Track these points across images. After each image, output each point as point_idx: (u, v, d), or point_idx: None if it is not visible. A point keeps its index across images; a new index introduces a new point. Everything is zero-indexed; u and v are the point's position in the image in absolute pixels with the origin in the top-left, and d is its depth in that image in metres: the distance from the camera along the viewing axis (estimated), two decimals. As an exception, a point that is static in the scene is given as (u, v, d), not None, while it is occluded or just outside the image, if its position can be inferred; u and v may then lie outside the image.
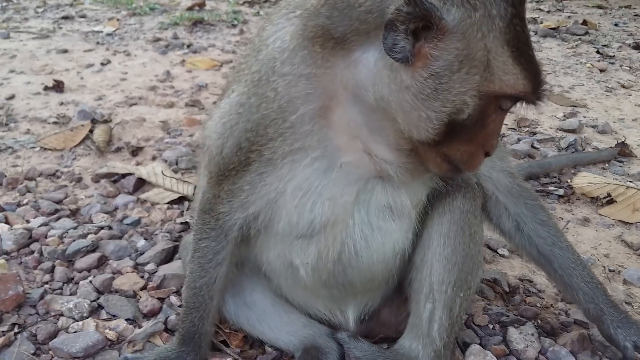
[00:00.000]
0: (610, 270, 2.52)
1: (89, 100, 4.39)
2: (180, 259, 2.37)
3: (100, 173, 3.22)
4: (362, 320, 1.98)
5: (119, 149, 3.58)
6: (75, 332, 1.99)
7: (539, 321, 2.16)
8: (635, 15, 8.08)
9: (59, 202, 2.93)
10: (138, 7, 7.65)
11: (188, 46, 5.99)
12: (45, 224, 2.68)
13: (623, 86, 5.11)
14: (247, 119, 1.58)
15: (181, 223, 2.78)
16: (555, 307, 2.26)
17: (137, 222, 2.78)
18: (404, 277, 1.91)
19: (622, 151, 3.66)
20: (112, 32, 6.51)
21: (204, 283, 1.80)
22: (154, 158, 3.49)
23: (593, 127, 4.17)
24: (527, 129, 4.13)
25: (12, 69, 5.01)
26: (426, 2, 1.25)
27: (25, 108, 4.17)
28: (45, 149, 3.54)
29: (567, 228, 2.82)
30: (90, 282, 2.28)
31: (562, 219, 2.92)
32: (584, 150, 3.78)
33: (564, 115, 4.37)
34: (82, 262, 2.40)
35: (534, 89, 1.38)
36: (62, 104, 4.28)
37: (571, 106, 4.58)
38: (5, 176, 3.14)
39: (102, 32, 6.49)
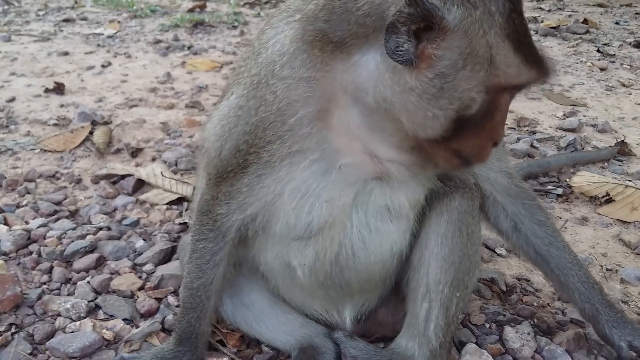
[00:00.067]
0: (607, 269, 2.52)
1: (89, 102, 4.41)
2: (178, 259, 2.37)
3: (100, 174, 3.24)
4: (359, 320, 1.99)
5: (118, 151, 3.60)
6: (73, 332, 2.00)
7: (536, 320, 2.16)
8: (636, 13, 8.06)
9: (58, 203, 2.95)
10: (139, 10, 7.68)
11: (188, 48, 6.01)
12: (44, 225, 2.69)
13: (623, 85, 5.10)
14: (246, 121, 1.59)
15: (180, 224, 2.79)
16: (552, 306, 2.26)
17: (135, 223, 2.79)
18: (401, 277, 1.91)
19: (622, 150, 3.65)
20: (113, 34, 6.54)
21: (201, 284, 1.81)
22: (153, 159, 3.51)
23: (593, 126, 4.17)
24: (526, 128, 4.12)
25: (13, 72, 5.04)
26: (427, 3, 1.25)
27: (25, 110, 4.19)
28: (45, 150, 3.56)
29: (565, 227, 2.82)
30: (88, 282, 2.29)
31: (561, 218, 2.92)
32: (583, 149, 3.77)
33: (564, 114, 4.36)
34: (80, 263, 2.41)
35: (538, 76, 1.40)
36: (62, 106, 4.30)
37: (571, 105, 4.58)
38: (5, 178, 3.15)
39: (102, 34, 6.52)
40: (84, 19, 7.31)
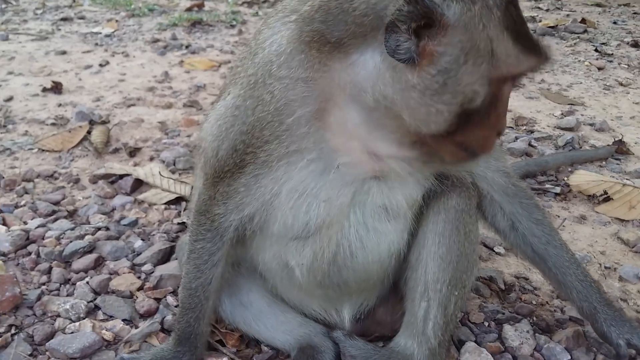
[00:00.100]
0: (606, 267, 2.52)
1: (87, 102, 4.40)
2: (177, 259, 2.37)
3: (98, 174, 3.23)
4: (358, 319, 1.99)
5: (116, 150, 3.59)
6: (72, 332, 2.00)
7: (535, 318, 2.16)
8: (634, 13, 8.07)
9: (57, 203, 2.94)
10: (137, 8, 7.67)
11: (186, 47, 6.00)
12: (42, 225, 2.69)
13: (621, 84, 5.11)
14: (243, 121, 1.59)
15: (178, 223, 2.79)
16: (551, 304, 2.26)
17: (134, 223, 2.78)
18: (399, 276, 1.91)
19: (620, 149, 3.66)
20: (111, 33, 6.52)
21: (199, 284, 1.81)
22: (151, 159, 3.50)
23: (591, 125, 4.17)
24: (524, 127, 4.13)
25: (11, 71, 5.03)
26: (427, 0, 1.26)
27: (23, 110, 4.18)
28: (43, 150, 3.55)
29: (563, 226, 2.83)
30: (87, 283, 2.29)
31: (559, 216, 2.92)
32: (581, 148, 3.78)
33: (562, 114, 4.37)
34: (79, 263, 2.41)
35: (538, 62, 1.43)
36: (60, 105, 4.29)
37: (569, 104, 4.59)
38: (3, 178, 3.15)
39: (100, 33, 6.51)
40: (82, 17, 7.29)
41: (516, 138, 3.87)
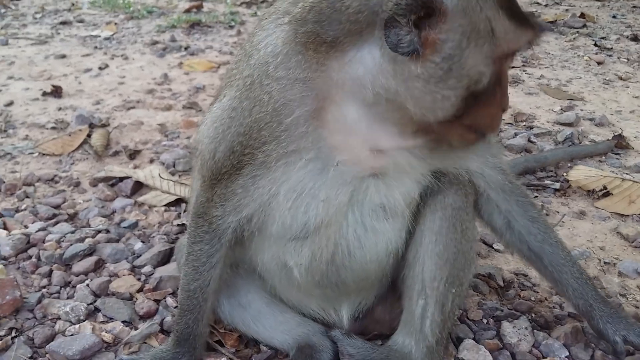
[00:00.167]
0: (605, 262, 2.52)
1: (87, 105, 4.42)
2: (175, 260, 2.38)
3: (98, 177, 3.25)
4: (356, 318, 1.99)
5: (116, 153, 3.61)
6: (72, 335, 2.01)
7: (533, 315, 2.16)
8: (634, 7, 8.04)
9: (57, 206, 2.96)
10: (136, 11, 7.68)
11: (185, 48, 6.01)
12: (43, 229, 2.71)
13: (621, 78, 5.09)
14: (240, 122, 1.59)
15: (178, 225, 2.80)
16: (550, 301, 2.26)
17: (134, 225, 2.80)
18: (397, 274, 1.91)
19: (619, 143, 3.65)
20: (110, 36, 6.54)
21: (197, 286, 1.82)
22: (151, 161, 3.52)
23: (590, 120, 4.16)
24: (524, 123, 4.12)
25: (11, 76, 5.05)
26: None
27: (23, 114, 4.20)
28: (44, 154, 3.57)
29: (563, 221, 2.83)
30: (87, 285, 2.30)
31: (558, 212, 2.92)
32: (580, 143, 3.77)
33: (561, 109, 4.36)
34: (79, 266, 2.42)
35: (534, 35, 1.49)
36: (60, 109, 4.31)
37: (568, 99, 4.58)
38: (4, 182, 3.17)
39: (99, 36, 6.53)
40: (81, 21, 7.31)
41: (515, 134, 3.87)
